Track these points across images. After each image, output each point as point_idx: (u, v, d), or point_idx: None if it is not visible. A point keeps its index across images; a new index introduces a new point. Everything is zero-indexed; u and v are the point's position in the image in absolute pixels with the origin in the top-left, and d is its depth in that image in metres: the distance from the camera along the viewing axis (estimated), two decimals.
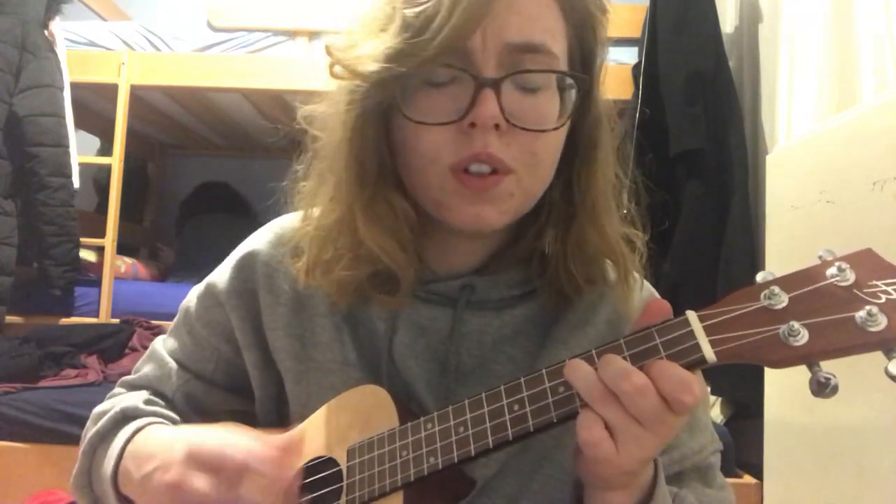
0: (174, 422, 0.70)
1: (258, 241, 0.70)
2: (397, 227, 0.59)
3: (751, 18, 2.22)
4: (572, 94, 0.59)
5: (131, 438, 0.65)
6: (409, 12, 0.53)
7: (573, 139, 0.62)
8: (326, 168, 0.61)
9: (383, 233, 0.59)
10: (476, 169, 0.55)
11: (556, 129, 0.58)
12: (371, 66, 0.54)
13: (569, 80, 0.59)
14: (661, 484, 0.53)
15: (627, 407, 0.45)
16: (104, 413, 0.69)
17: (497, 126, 0.54)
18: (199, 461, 0.55)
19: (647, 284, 0.71)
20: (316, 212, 0.64)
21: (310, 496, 0.60)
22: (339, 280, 0.62)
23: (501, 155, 0.55)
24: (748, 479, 1.74)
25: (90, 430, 0.69)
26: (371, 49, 0.55)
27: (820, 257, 0.46)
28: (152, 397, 0.72)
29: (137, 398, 0.70)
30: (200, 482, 0.55)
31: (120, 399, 0.72)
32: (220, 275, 0.71)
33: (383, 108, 0.57)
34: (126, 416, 0.68)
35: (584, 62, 0.61)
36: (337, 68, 0.58)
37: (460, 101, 0.54)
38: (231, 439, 0.56)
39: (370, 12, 0.57)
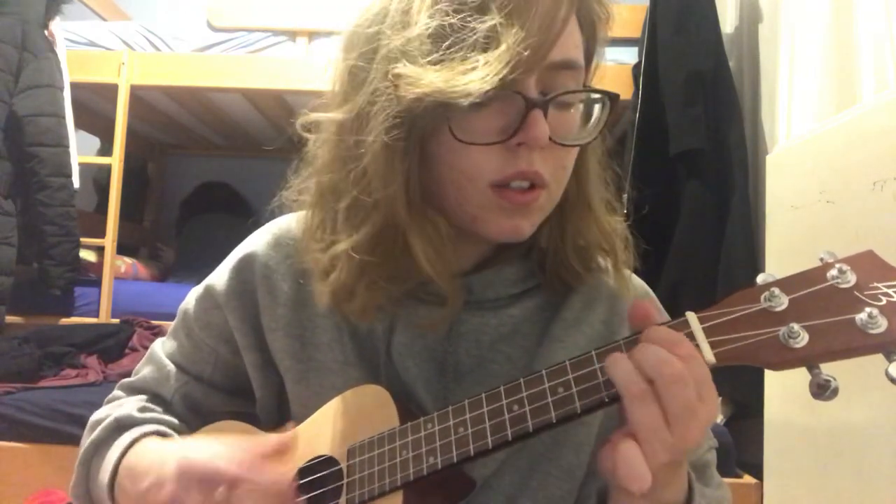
0: (171, 426, 0.70)
1: (256, 242, 0.71)
2: (443, 244, 0.58)
3: (751, 18, 2.22)
4: (596, 107, 0.60)
5: (126, 452, 0.65)
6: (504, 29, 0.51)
7: None
8: (348, 186, 0.59)
9: (434, 252, 0.58)
10: (517, 184, 0.56)
11: (589, 141, 0.59)
12: (476, 89, 0.50)
13: (598, 95, 0.59)
14: None
15: (663, 395, 0.44)
16: (100, 422, 0.69)
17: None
18: (191, 477, 0.55)
19: (639, 280, 0.72)
20: (338, 230, 0.61)
21: (310, 495, 0.60)
22: (368, 300, 0.60)
23: (542, 171, 0.56)
24: (748, 479, 1.73)
25: (86, 441, 0.69)
26: (484, 72, 0.51)
27: (821, 259, 0.46)
28: (148, 403, 0.72)
29: (132, 406, 0.70)
30: (195, 499, 0.55)
31: (116, 406, 0.72)
32: (219, 277, 0.71)
33: (426, 127, 0.56)
34: (120, 426, 0.68)
35: (586, 66, 0.62)
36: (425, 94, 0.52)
37: (507, 120, 0.54)
38: (221, 451, 0.56)
39: (430, 39, 0.53)
